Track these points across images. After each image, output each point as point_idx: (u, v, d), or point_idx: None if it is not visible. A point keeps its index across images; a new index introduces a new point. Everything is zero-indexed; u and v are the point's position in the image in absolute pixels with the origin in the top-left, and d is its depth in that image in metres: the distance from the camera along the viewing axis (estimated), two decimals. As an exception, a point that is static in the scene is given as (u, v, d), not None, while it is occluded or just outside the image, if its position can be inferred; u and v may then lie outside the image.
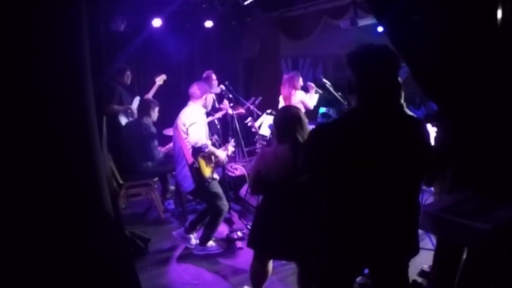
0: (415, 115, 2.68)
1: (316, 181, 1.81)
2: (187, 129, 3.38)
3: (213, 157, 3.55)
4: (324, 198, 1.79)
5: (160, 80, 4.98)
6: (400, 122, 1.67)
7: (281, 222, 2.28)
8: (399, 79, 1.70)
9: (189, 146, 3.39)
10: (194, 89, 3.54)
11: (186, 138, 3.41)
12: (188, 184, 3.47)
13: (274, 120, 2.42)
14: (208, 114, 4.86)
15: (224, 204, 3.54)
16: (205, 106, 3.59)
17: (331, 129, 1.72)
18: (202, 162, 3.42)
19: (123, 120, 4.78)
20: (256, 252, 2.52)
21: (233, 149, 4.26)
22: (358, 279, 2.94)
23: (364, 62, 1.61)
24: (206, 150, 3.41)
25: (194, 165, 3.36)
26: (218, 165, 3.65)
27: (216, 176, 3.62)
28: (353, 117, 1.67)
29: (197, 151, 3.37)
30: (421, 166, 1.71)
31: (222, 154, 3.64)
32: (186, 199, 4.37)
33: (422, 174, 1.75)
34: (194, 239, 3.70)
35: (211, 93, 3.62)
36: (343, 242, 1.71)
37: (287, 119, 2.34)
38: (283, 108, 2.53)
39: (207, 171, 3.45)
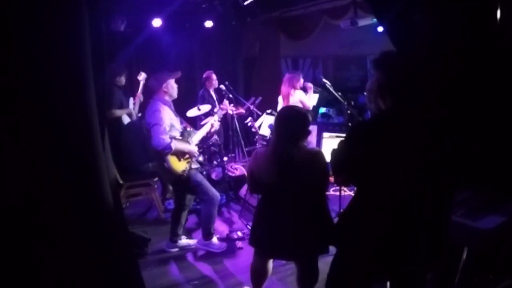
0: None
1: (351, 177, 1.84)
2: (149, 127, 3.17)
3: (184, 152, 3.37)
4: (358, 198, 1.81)
5: (141, 78, 4.90)
6: (431, 123, 1.69)
7: (276, 222, 2.28)
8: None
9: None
10: (151, 81, 3.34)
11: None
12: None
13: (276, 118, 2.34)
14: (208, 114, 4.88)
15: (213, 192, 3.46)
16: (169, 96, 3.34)
17: (370, 127, 1.76)
18: (173, 159, 3.26)
19: (126, 120, 4.79)
20: (256, 251, 2.53)
21: (219, 123, 4.06)
22: None
23: (395, 63, 1.71)
24: (170, 150, 3.15)
25: (164, 166, 3.23)
26: (192, 156, 3.46)
27: (194, 165, 3.47)
28: (391, 115, 1.70)
29: (160, 153, 3.17)
30: (450, 165, 1.70)
31: (191, 148, 3.43)
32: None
33: (449, 177, 1.72)
34: (185, 239, 3.71)
35: (170, 79, 3.32)
36: (372, 244, 1.71)
37: (284, 120, 2.27)
38: (284, 107, 2.48)
39: (181, 165, 3.31)
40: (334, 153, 1.87)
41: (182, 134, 3.43)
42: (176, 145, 3.21)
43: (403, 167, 1.62)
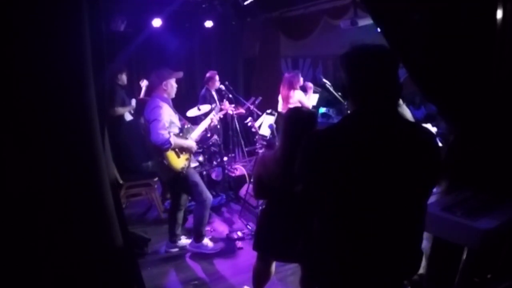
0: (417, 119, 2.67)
1: (307, 193, 1.63)
2: (148, 123, 3.17)
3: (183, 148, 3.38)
4: (315, 214, 1.59)
5: (144, 84, 5.12)
6: (403, 131, 1.46)
7: (285, 227, 2.25)
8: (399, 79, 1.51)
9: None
10: (152, 78, 3.35)
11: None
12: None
13: (283, 120, 2.30)
14: (208, 114, 4.88)
15: (207, 195, 3.46)
16: (168, 94, 3.34)
17: (325, 137, 1.50)
18: (172, 155, 3.26)
19: (129, 118, 4.80)
20: (260, 253, 2.52)
21: (218, 118, 4.08)
22: None
23: (360, 62, 1.43)
24: (169, 146, 3.15)
25: (164, 163, 3.24)
26: (191, 153, 3.48)
27: (193, 164, 3.49)
28: (348, 124, 1.48)
29: (159, 148, 3.18)
30: (426, 181, 1.47)
31: (190, 143, 3.44)
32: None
33: (427, 190, 1.51)
34: (185, 239, 3.71)
35: (170, 78, 3.34)
36: (337, 265, 1.51)
37: (293, 122, 2.23)
38: (291, 109, 2.42)
39: (180, 162, 3.31)
40: (296, 163, 1.59)
41: (181, 130, 3.44)
42: (175, 140, 3.22)
43: (359, 181, 1.38)
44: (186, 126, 3.59)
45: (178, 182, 3.42)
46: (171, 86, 3.35)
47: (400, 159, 1.39)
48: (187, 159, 3.41)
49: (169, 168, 3.26)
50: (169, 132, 3.17)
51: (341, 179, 1.41)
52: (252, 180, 2.51)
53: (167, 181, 3.51)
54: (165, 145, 3.13)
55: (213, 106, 4.44)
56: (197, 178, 3.48)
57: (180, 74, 3.47)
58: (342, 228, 1.47)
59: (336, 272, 1.52)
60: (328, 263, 1.54)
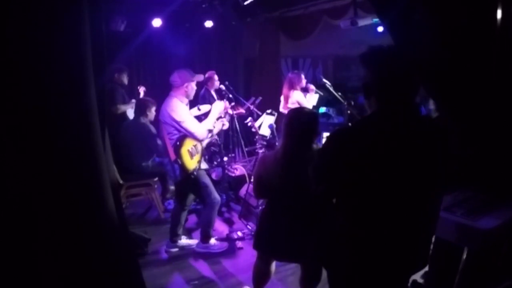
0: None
1: (331, 192, 1.67)
2: (180, 126, 3.26)
3: (196, 147, 3.42)
4: (340, 211, 1.63)
5: (141, 90, 5.36)
6: (422, 127, 1.52)
7: (285, 227, 2.25)
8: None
9: (172, 142, 3.32)
10: (175, 77, 3.36)
11: (170, 134, 3.31)
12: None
13: (284, 120, 2.29)
14: (208, 114, 4.88)
15: (215, 196, 3.47)
16: (187, 96, 3.40)
17: (350, 135, 1.54)
18: (186, 156, 3.30)
19: (131, 115, 4.80)
20: (260, 252, 2.52)
21: (228, 125, 4.18)
22: None
23: (386, 61, 1.49)
24: (210, 134, 3.47)
25: (178, 162, 3.27)
26: (202, 153, 3.53)
27: (203, 166, 3.52)
28: (376, 120, 1.51)
29: (177, 147, 3.25)
30: (442, 176, 1.54)
31: (218, 125, 3.64)
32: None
33: (443, 184, 1.59)
34: (186, 240, 3.72)
35: (192, 81, 3.41)
36: (360, 257, 1.56)
37: (295, 123, 2.22)
38: (294, 109, 2.40)
39: (191, 164, 3.34)
40: (313, 166, 1.66)
41: None
42: (207, 125, 3.45)
43: (390, 177, 1.45)
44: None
45: (188, 183, 3.44)
46: (192, 88, 3.42)
47: (423, 154, 1.45)
48: (198, 161, 3.45)
49: (182, 168, 3.30)
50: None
51: (370, 175, 1.45)
52: (252, 180, 2.50)
53: (178, 181, 3.52)
54: (209, 134, 3.42)
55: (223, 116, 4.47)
56: (207, 180, 3.51)
57: (201, 77, 3.59)
58: (367, 221, 1.52)
59: (359, 265, 1.56)
60: (351, 256, 1.58)
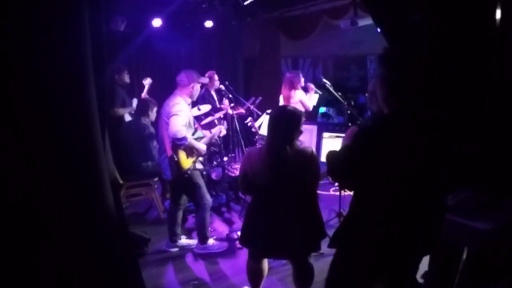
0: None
1: (357, 185, 1.76)
2: (169, 119, 3.25)
3: (194, 149, 3.42)
4: (361, 203, 1.74)
5: (146, 82, 5.08)
6: (437, 124, 1.63)
7: (269, 221, 2.28)
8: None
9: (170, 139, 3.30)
10: (182, 77, 3.38)
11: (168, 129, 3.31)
12: (170, 173, 3.46)
13: (270, 118, 2.37)
14: (208, 114, 4.88)
15: (207, 198, 3.48)
16: (191, 96, 3.43)
17: (377, 133, 1.66)
18: (182, 155, 3.30)
19: (128, 119, 4.80)
20: (250, 251, 2.54)
21: (225, 132, 4.20)
22: None
23: (407, 61, 1.59)
24: (185, 142, 3.23)
25: (174, 158, 3.27)
26: (199, 156, 3.52)
27: (198, 166, 3.51)
28: (396, 120, 1.62)
29: (175, 143, 3.23)
30: (451, 166, 1.68)
31: (202, 146, 3.50)
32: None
33: (451, 175, 1.73)
34: (185, 239, 3.72)
35: (199, 83, 3.45)
36: (374, 245, 1.68)
37: (280, 120, 2.29)
38: (279, 107, 2.50)
39: (187, 163, 3.34)
40: (335, 156, 1.78)
41: (193, 133, 3.49)
42: (190, 139, 3.30)
43: (409, 172, 1.58)
44: (198, 131, 3.66)
45: (181, 182, 3.43)
46: (197, 89, 3.45)
47: (438, 149, 1.58)
48: (194, 161, 3.44)
49: (177, 165, 3.29)
50: (186, 130, 3.23)
51: (394, 169, 1.57)
52: (239, 177, 2.53)
53: (171, 180, 3.51)
54: (182, 141, 3.19)
55: (223, 124, 4.49)
56: (201, 181, 3.50)
57: (206, 80, 3.64)
58: (388, 211, 1.64)
59: (372, 250, 1.68)
60: (367, 241, 1.69)
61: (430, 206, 1.65)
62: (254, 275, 2.58)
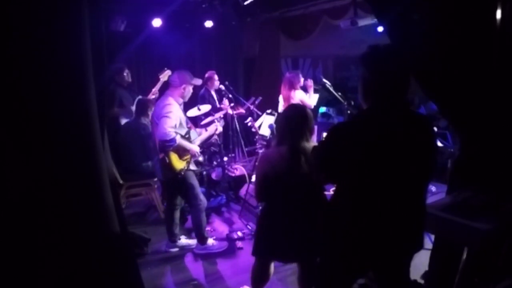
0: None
1: (331, 179, 1.84)
2: (157, 119, 3.22)
3: (185, 150, 3.39)
4: (336, 198, 1.81)
5: (164, 76, 4.75)
6: (412, 120, 1.71)
7: (287, 226, 2.25)
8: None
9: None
10: (174, 77, 3.38)
11: None
12: (161, 175, 3.45)
13: (276, 120, 2.39)
14: (208, 114, 4.88)
15: (201, 198, 3.46)
16: (182, 97, 3.39)
17: (348, 128, 1.74)
18: (174, 156, 3.28)
19: (123, 120, 4.79)
20: (261, 257, 2.51)
21: (221, 129, 4.18)
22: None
23: (381, 60, 1.65)
24: (174, 144, 3.19)
25: (165, 160, 3.24)
26: (192, 156, 3.49)
27: (192, 167, 3.48)
28: (369, 116, 1.70)
29: (164, 145, 3.19)
30: (430, 165, 1.74)
31: (193, 147, 3.47)
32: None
33: (429, 173, 1.78)
34: (185, 239, 3.72)
35: (191, 84, 3.42)
36: (352, 241, 1.72)
37: (289, 119, 2.30)
38: (290, 107, 2.46)
39: (180, 164, 3.32)
40: (314, 151, 1.87)
41: (187, 133, 3.46)
42: (180, 141, 3.25)
43: (381, 167, 1.62)
44: (191, 130, 3.61)
45: (175, 183, 3.42)
46: (188, 91, 3.41)
47: (412, 146, 1.63)
48: (187, 162, 3.41)
49: (169, 167, 3.26)
50: (175, 132, 3.19)
51: (364, 164, 1.62)
52: (254, 180, 2.49)
53: (165, 180, 3.51)
54: (170, 143, 3.15)
55: (217, 118, 4.49)
56: (194, 181, 3.47)
57: (199, 82, 3.55)
58: (361, 206, 1.68)
59: (352, 245, 1.73)
60: (344, 238, 1.75)
61: (406, 202, 1.69)
62: (262, 279, 2.55)
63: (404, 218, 1.71)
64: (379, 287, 2.00)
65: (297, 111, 2.33)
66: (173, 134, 3.13)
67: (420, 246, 1.83)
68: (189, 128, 3.60)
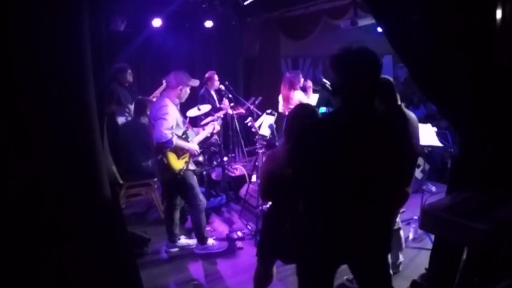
0: (413, 114, 2.70)
1: (297, 177, 1.83)
2: (155, 121, 3.19)
3: (183, 149, 3.39)
4: (303, 196, 1.81)
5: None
6: (379, 123, 1.71)
7: (292, 225, 2.25)
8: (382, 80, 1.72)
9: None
10: (171, 78, 3.34)
11: None
12: (159, 175, 3.44)
13: (293, 117, 2.36)
14: (208, 114, 4.88)
15: (201, 199, 3.46)
16: (179, 98, 3.37)
17: (315, 127, 1.75)
18: (172, 156, 3.27)
19: (120, 120, 4.80)
20: (265, 258, 2.49)
21: (219, 127, 4.19)
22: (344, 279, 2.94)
23: (349, 63, 1.65)
24: (171, 145, 3.17)
25: (164, 161, 3.23)
26: (192, 155, 3.50)
27: (191, 167, 3.49)
28: (336, 117, 1.72)
29: (161, 146, 3.18)
30: (396, 168, 1.72)
31: (192, 146, 3.47)
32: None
33: (397, 176, 1.77)
34: (185, 239, 3.72)
35: (188, 85, 3.39)
36: (320, 241, 1.73)
37: (301, 118, 2.25)
38: (297, 107, 2.47)
39: (178, 164, 3.32)
40: (288, 151, 1.86)
41: (184, 133, 3.45)
42: (177, 141, 3.24)
43: (347, 168, 1.62)
44: (189, 130, 3.61)
45: (174, 183, 3.42)
46: (185, 92, 3.39)
47: (376, 149, 1.62)
48: (186, 162, 3.41)
49: (167, 168, 3.26)
50: (172, 133, 3.18)
51: (326, 165, 1.64)
52: (260, 179, 2.48)
53: (164, 181, 3.51)
54: (167, 144, 3.14)
55: (216, 116, 4.49)
56: (194, 181, 3.47)
57: (197, 83, 3.54)
58: (324, 209, 1.69)
59: (320, 248, 1.74)
60: (313, 241, 1.76)
61: (370, 204, 1.67)
62: (265, 281, 2.53)
63: (369, 219, 1.70)
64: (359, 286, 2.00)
65: (308, 111, 2.31)
66: (169, 136, 3.13)
67: (388, 247, 1.84)
68: (187, 128, 3.60)
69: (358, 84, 1.62)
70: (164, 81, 4.67)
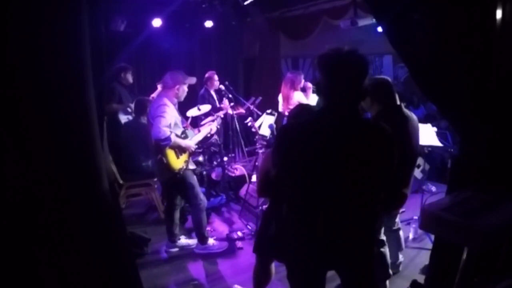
0: (413, 114, 2.69)
1: (279, 178, 1.82)
2: (153, 119, 3.20)
3: (182, 148, 3.39)
4: (285, 199, 1.79)
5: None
6: (361, 126, 1.68)
7: None
8: (365, 84, 1.66)
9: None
10: (167, 78, 3.34)
11: None
12: (158, 175, 3.44)
13: (291, 116, 2.37)
14: (208, 114, 4.88)
15: (201, 198, 3.47)
16: (177, 97, 3.38)
17: (294, 128, 1.74)
18: (171, 155, 3.28)
19: (123, 119, 4.79)
20: (262, 256, 2.50)
21: (215, 129, 4.21)
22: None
23: (333, 65, 1.61)
24: (169, 143, 3.17)
25: (163, 160, 3.24)
26: (191, 154, 3.51)
27: (191, 166, 3.50)
28: (318, 118, 1.70)
29: (160, 144, 3.18)
30: (380, 172, 1.68)
31: (190, 143, 3.46)
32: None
33: (380, 180, 1.71)
34: (185, 239, 3.72)
35: (185, 84, 3.40)
36: (301, 245, 1.72)
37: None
38: (298, 107, 2.48)
39: (178, 163, 3.32)
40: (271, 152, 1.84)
41: (182, 133, 3.45)
42: (175, 139, 3.24)
43: (325, 169, 1.59)
44: (188, 130, 3.61)
45: (174, 182, 3.42)
46: (183, 91, 3.40)
47: (358, 153, 1.59)
48: (185, 161, 3.41)
49: (167, 167, 3.26)
50: (170, 131, 3.18)
51: (302, 167, 1.61)
52: (258, 177, 2.49)
53: (164, 181, 3.51)
54: (165, 142, 3.14)
55: (215, 116, 4.50)
56: (194, 181, 3.47)
57: (194, 80, 3.53)
58: (305, 212, 1.67)
59: (301, 250, 1.74)
60: (294, 243, 1.75)
61: (352, 207, 1.64)
62: (263, 279, 2.54)
63: (348, 223, 1.66)
64: None
65: (308, 111, 2.28)
66: (167, 133, 3.13)
67: (371, 251, 1.82)
68: (185, 128, 3.60)
69: (340, 86, 1.59)
70: (159, 86, 4.72)
